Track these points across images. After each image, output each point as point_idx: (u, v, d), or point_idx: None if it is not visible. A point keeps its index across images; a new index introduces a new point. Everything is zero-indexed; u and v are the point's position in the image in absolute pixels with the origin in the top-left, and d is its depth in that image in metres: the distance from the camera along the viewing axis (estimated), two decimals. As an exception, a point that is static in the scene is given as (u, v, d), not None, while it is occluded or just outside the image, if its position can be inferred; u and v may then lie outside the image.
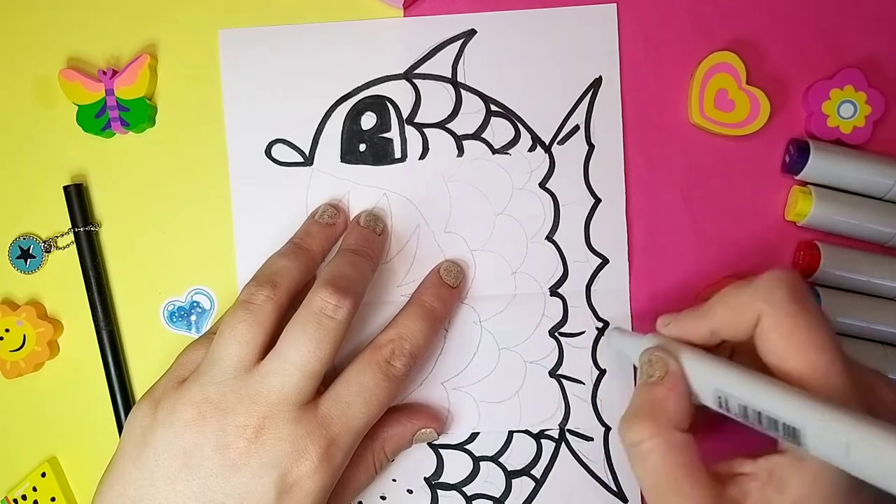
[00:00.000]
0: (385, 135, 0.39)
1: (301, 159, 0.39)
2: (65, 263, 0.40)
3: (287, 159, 0.39)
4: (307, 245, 0.37)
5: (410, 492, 0.39)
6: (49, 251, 0.40)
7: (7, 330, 0.39)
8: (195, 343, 0.36)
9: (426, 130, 0.39)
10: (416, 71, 0.39)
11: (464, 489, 0.39)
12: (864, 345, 0.38)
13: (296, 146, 0.39)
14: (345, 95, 0.39)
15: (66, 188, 0.39)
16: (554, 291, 0.39)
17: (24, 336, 0.39)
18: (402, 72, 0.39)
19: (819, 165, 0.37)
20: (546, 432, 0.39)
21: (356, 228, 0.38)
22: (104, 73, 0.39)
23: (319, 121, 0.39)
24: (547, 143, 0.39)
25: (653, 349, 0.33)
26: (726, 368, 0.30)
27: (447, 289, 0.38)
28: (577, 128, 0.39)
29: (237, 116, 0.39)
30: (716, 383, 0.30)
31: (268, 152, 0.39)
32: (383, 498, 0.39)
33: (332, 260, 0.36)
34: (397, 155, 0.39)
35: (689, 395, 0.31)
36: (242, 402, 0.32)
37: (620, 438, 0.32)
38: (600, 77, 0.39)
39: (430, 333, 0.36)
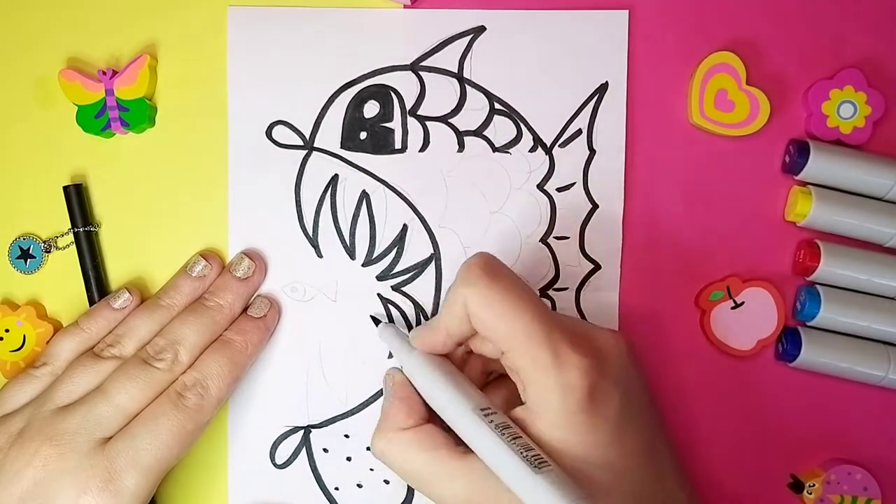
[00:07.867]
0: (387, 124, 0.39)
1: (301, 143, 0.39)
2: (64, 263, 0.40)
3: (287, 142, 0.39)
4: (169, 303, 0.37)
5: (387, 482, 0.39)
6: (49, 251, 0.40)
7: (7, 330, 0.39)
8: (20, 379, 0.36)
9: (428, 123, 0.39)
10: (423, 63, 0.39)
11: None
12: (865, 344, 0.38)
13: (297, 129, 0.39)
14: (349, 82, 0.39)
15: (65, 188, 0.39)
16: (543, 293, 0.39)
17: (24, 336, 0.39)
18: (408, 63, 0.39)
19: (819, 165, 0.37)
20: None
21: (222, 276, 0.38)
22: (104, 73, 0.39)
23: (322, 105, 0.39)
24: (548, 145, 0.39)
25: (390, 370, 0.36)
26: (429, 383, 0.33)
27: (251, 321, 0.38)
28: (579, 132, 0.39)
29: (240, 96, 0.39)
30: (425, 396, 0.33)
31: (268, 134, 0.39)
32: (360, 486, 0.39)
33: (182, 314, 0.37)
34: (397, 145, 0.39)
35: (416, 399, 0.34)
36: (42, 432, 0.33)
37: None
38: (606, 83, 0.39)
39: (228, 366, 0.36)
